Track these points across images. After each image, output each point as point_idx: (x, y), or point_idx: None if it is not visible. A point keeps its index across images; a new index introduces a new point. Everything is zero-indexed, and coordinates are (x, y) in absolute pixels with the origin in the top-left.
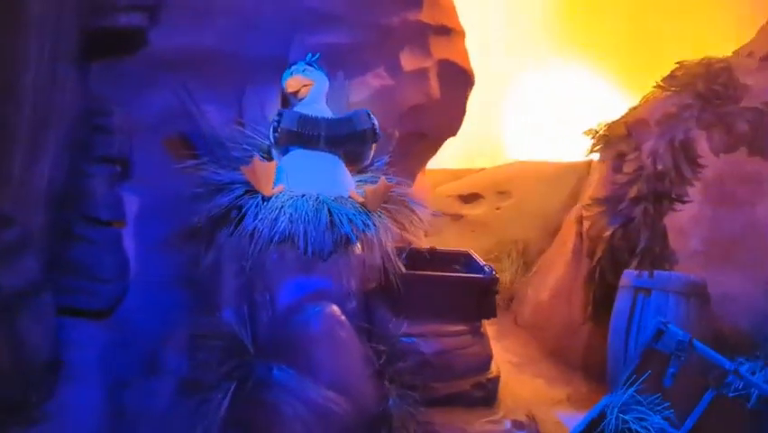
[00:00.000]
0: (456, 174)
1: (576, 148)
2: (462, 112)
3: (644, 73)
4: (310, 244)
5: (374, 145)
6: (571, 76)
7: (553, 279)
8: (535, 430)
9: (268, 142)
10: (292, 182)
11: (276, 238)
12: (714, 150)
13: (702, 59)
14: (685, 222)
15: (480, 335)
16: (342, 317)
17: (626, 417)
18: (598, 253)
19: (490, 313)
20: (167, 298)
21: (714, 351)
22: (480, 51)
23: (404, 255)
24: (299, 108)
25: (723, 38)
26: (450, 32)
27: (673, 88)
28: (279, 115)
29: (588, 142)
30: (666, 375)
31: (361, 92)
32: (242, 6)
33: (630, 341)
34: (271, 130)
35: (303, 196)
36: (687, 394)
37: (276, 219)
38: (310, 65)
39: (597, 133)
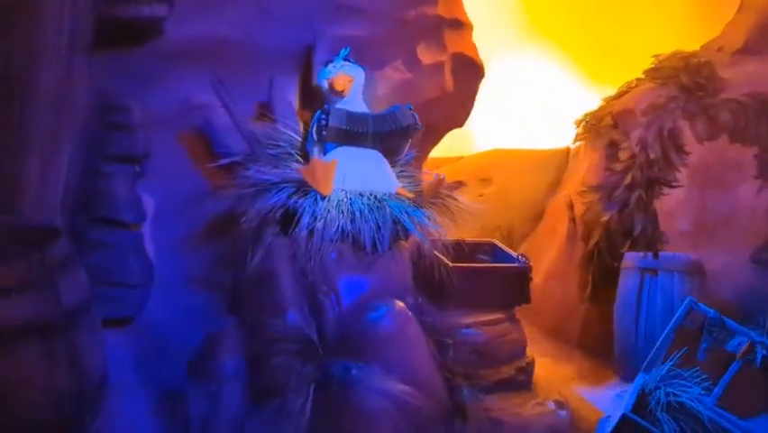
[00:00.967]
0: (436, 163)
1: (546, 136)
2: (472, 104)
3: (607, 63)
4: (372, 241)
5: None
6: (540, 65)
7: (545, 262)
8: (569, 409)
9: (299, 138)
10: (343, 180)
11: (335, 237)
12: (698, 138)
13: (676, 53)
14: (674, 205)
15: (516, 321)
16: (409, 313)
17: (672, 390)
18: (595, 237)
19: (527, 299)
20: (186, 300)
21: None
22: None
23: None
24: (342, 105)
25: (685, 30)
26: (462, 25)
27: (658, 81)
28: (326, 112)
29: (560, 130)
30: (699, 350)
31: (382, 86)
32: None
33: (641, 319)
34: (315, 128)
35: (359, 194)
36: (714, 365)
37: (334, 218)
38: (347, 60)
39: (585, 122)
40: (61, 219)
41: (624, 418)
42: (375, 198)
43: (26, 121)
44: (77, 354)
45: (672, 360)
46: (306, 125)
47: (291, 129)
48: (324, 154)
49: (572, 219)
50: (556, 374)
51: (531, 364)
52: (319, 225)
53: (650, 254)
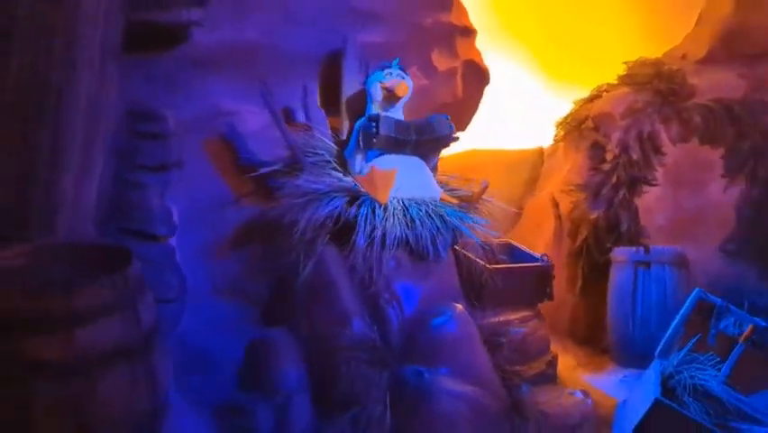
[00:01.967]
0: None
1: (517, 137)
2: (476, 109)
3: (573, 68)
4: (434, 248)
5: None
6: (505, 68)
7: None
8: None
9: (334, 145)
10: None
11: (393, 245)
12: (672, 140)
13: (643, 60)
14: (652, 202)
15: (541, 318)
16: (469, 316)
17: (692, 373)
18: (584, 234)
19: (550, 296)
20: (212, 310)
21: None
22: None
23: None
24: (387, 113)
25: (645, 38)
26: (470, 32)
27: (633, 86)
28: (375, 120)
29: (528, 131)
30: (709, 336)
31: None
32: (283, 2)
33: (637, 310)
34: (363, 135)
35: (412, 201)
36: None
37: (392, 226)
38: (401, 68)
39: (566, 123)
40: (92, 233)
41: (656, 402)
42: (430, 204)
43: (62, 131)
44: (153, 374)
45: (688, 346)
46: (335, 132)
47: (327, 136)
48: (366, 162)
49: (558, 217)
50: (561, 365)
51: (555, 358)
52: (378, 233)
53: (641, 249)
